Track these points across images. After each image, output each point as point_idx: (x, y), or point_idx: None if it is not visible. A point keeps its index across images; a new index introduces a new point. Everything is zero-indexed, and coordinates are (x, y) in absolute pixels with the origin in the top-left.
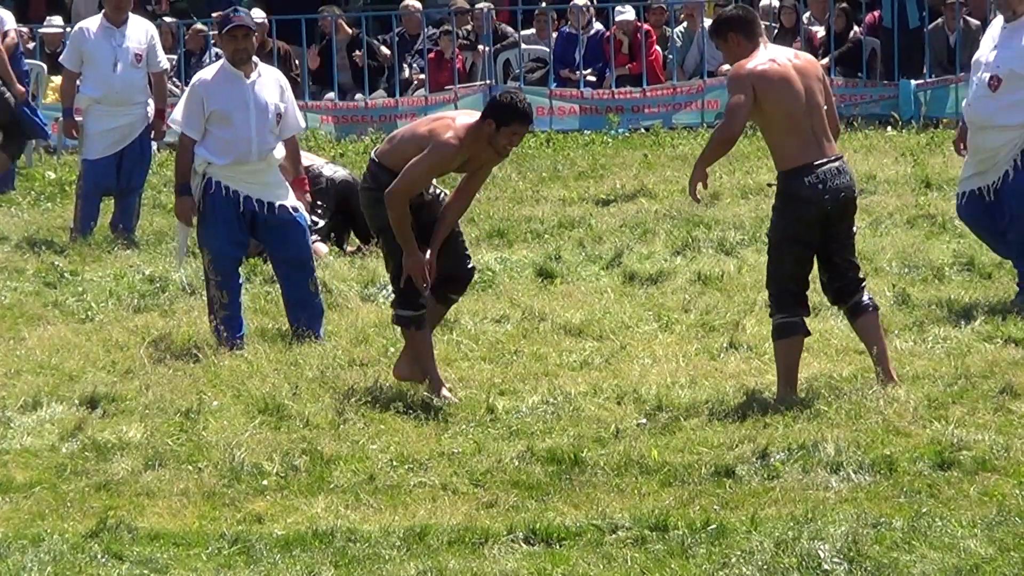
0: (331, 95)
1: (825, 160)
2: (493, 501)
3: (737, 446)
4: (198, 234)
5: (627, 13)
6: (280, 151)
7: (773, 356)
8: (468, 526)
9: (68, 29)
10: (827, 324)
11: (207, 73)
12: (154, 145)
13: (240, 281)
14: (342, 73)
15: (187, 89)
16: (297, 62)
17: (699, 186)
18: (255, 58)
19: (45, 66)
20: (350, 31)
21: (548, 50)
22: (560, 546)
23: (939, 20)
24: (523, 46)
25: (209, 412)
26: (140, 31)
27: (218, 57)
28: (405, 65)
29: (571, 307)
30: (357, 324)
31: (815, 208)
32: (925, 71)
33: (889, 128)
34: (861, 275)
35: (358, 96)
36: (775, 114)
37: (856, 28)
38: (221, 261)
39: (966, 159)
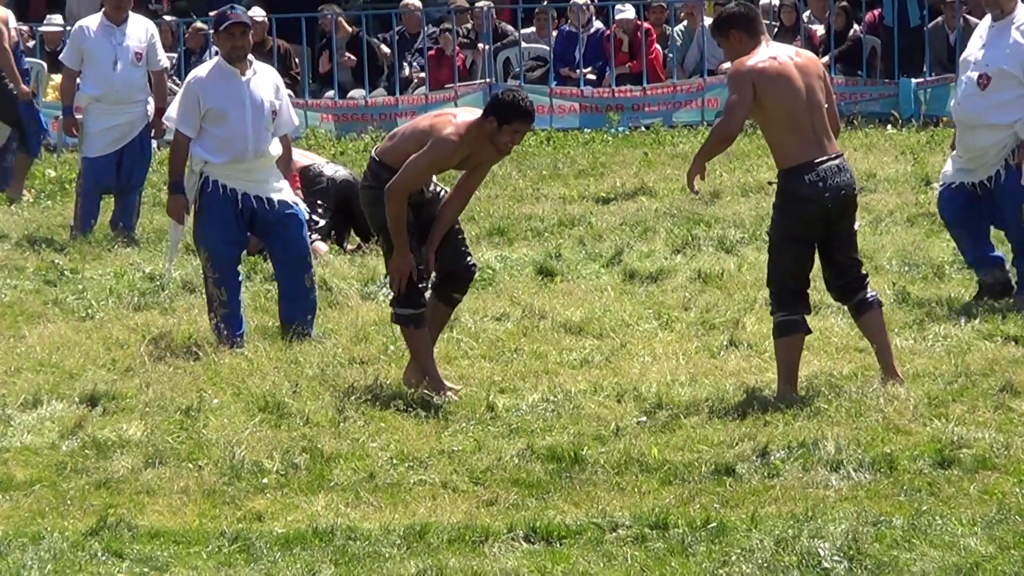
0: (331, 93)
1: (825, 158)
2: (493, 499)
3: (737, 444)
4: (195, 232)
5: (627, 11)
6: (276, 147)
7: (773, 354)
8: (468, 524)
9: (68, 28)
10: (827, 322)
11: (202, 71)
12: (154, 143)
13: (239, 279)
14: (342, 71)
15: (182, 87)
16: (297, 60)
17: (696, 179)
18: (250, 55)
19: (45, 64)
20: (350, 29)
21: (548, 48)
22: (560, 544)
23: (939, 19)
24: (523, 44)
25: (209, 410)
26: (140, 29)
27: (218, 55)
28: (405, 63)
29: (571, 305)
30: (357, 322)
31: (815, 206)
32: (925, 69)
33: (889, 126)
34: (864, 272)
35: (357, 94)
36: (775, 112)
37: (856, 26)
38: (218, 259)
39: (953, 155)
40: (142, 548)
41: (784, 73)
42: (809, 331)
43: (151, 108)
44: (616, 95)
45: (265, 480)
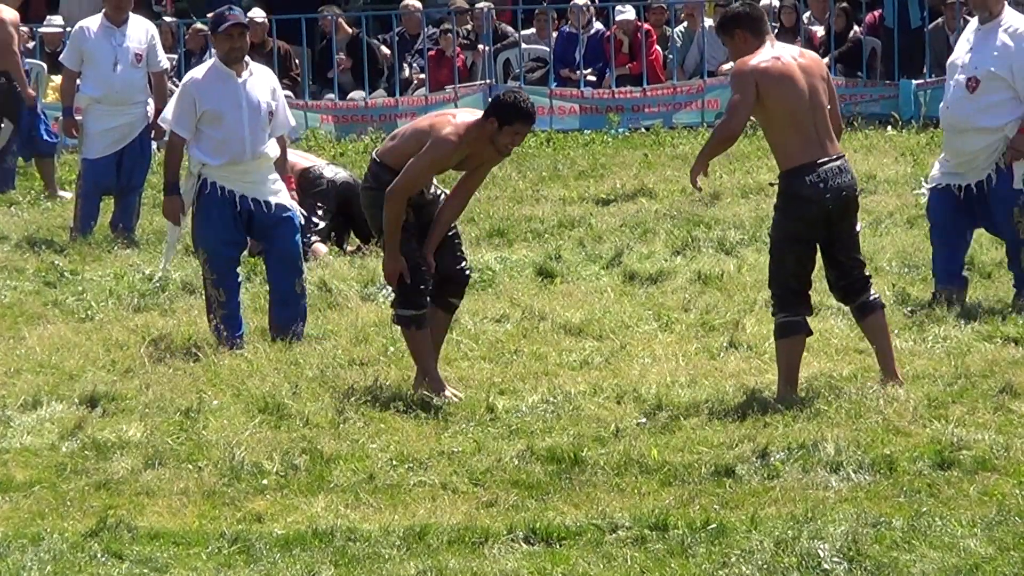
0: (331, 95)
1: (827, 159)
2: (493, 500)
3: (737, 445)
4: (193, 234)
5: (627, 13)
6: (274, 148)
7: (773, 355)
8: (468, 525)
9: (68, 29)
10: (827, 323)
11: (198, 72)
12: (154, 144)
13: (238, 280)
14: (342, 73)
15: (178, 88)
16: (297, 61)
17: (700, 177)
18: (246, 56)
19: (45, 65)
20: (350, 31)
21: (548, 50)
22: (560, 545)
23: (939, 20)
24: (523, 46)
25: (209, 411)
26: (140, 31)
27: (214, 56)
28: (405, 65)
29: (571, 306)
30: (357, 323)
31: (816, 207)
32: (925, 71)
33: (889, 128)
34: (867, 273)
35: (357, 95)
36: (777, 112)
37: (856, 28)
38: (216, 260)
39: (940, 159)
40: (142, 549)
41: (787, 73)
42: (810, 332)
43: (151, 109)
44: (616, 96)
45: (265, 481)
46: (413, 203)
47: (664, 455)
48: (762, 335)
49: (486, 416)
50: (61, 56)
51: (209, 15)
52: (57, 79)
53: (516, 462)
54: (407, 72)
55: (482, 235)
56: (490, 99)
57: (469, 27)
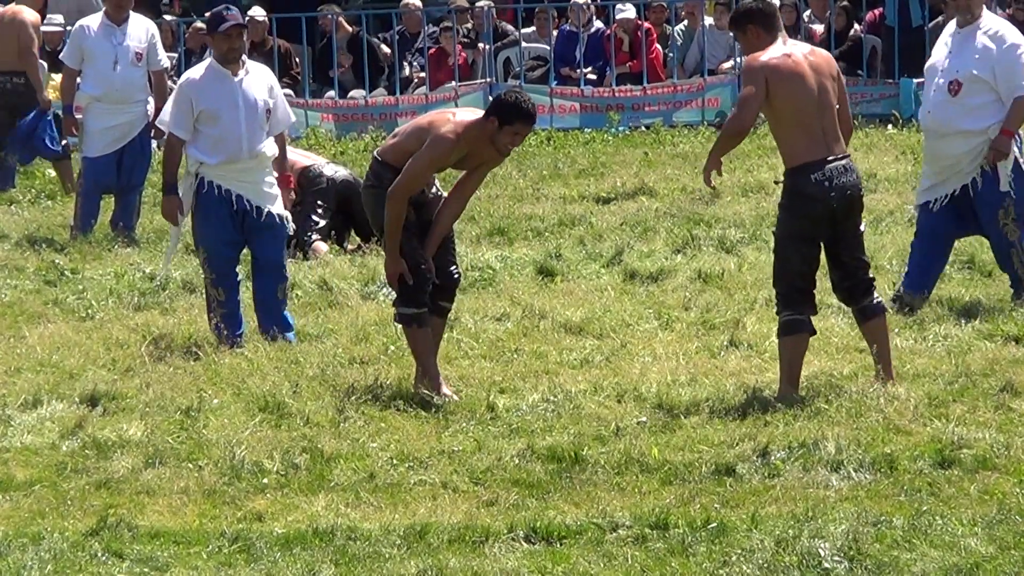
0: (331, 93)
1: (832, 158)
2: (493, 499)
3: (738, 444)
4: (193, 233)
5: (628, 11)
6: (271, 147)
7: (774, 354)
8: (468, 524)
9: (68, 27)
10: (828, 322)
11: (195, 72)
12: (154, 143)
13: (237, 279)
14: (343, 72)
15: (175, 89)
16: (297, 60)
17: (713, 174)
18: (243, 55)
19: (46, 64)
20: (350, 29)
21: (548, 48)
22: (561, 544)
23: (940, 18)
24: (523, 44)
25: (209, 410)
26: (141, 29)
27: (211, 56)
28: (405, 63)
29: (572, 305)
30: (357, 322)
31: (821, 205)
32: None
33: (890, 126)
34: (871, 276)
35: (358, 93)
36: (786, 109)
37: (856, 26)
38: (215, 260)
39: (923, 169)
40: (142, 548)
41: (797, 71)
42: (814, 332)
43: (151, 108)
44: (616, 95)
45: (265, 480)
46: (414, 202)
47: (665, 454)
48: (762, 334)
49: (486, 415)
50: (61, 54)
51: (207, 14)
52: (57, 78)
53: (516, 461)
54: (407, 71)
55: (483, 233)
56: (491, 98)
57: (469, 25)
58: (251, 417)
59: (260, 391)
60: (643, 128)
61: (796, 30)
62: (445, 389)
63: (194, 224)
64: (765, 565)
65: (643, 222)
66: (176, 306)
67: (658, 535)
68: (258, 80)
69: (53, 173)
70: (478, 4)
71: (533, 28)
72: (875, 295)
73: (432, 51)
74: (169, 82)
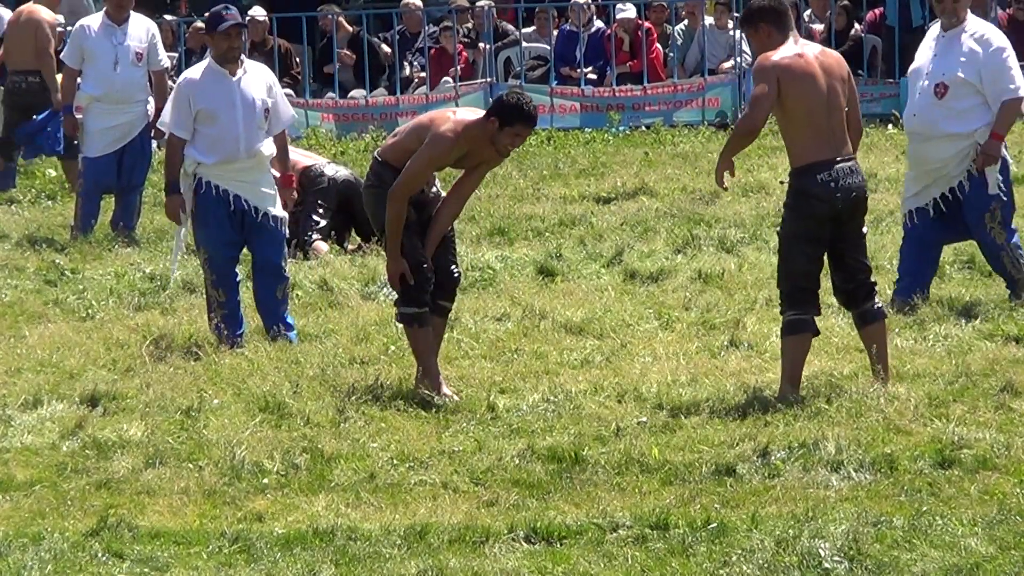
0: (332, 93)
1: (839, 159)
2: (494, 500)
3: (738, 444)
4: (194, 234)
5: (628, 11)
6: (270, 147)
7: (774, 354)
8: (469, 525)
9: (68, 27)
10: (828, 322)
11: (194, 72)
12: (154, 143)
13: (237, 279)
14: (343, 71)
15: (174, 89)
16: (298, 60)
17: (725, 174)
18: (241, 55)
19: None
20: (351, 29)
21: (549, 48)
22: (561, 545)
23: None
24: (524, 44)
25: (210, 410)
26: (141, 29)
27: (209, 56)
28: (406, 63)
29: (572, 305)
30: (358, 322)
31: (827, 206)
32: None
33: (890, 126)
34: (872, 279)
35: (358, 93)
36: (796, 109)
37: (857, 26)
38: (216, 260)
39: (907, 174)
40: (142, 549)
41: (809, 71)
42: (817, 332)
43: (151, 108)
44: (617, 94)
45: (265, 480)
46: (414, 201)
47: (665, 454)
48: (763, 334)
49: (487, 415)
50: (62, 54)
51: (206, 14)
52: (58, 77)
53: (517, 461)
54: (408, 70)
55: (483, 233)
56: (491, 98)
57: (470, 25)
58: (251, 417)
59: (260, 391)
60: (643, 128)
61: (796, 29)
62: (445, 389)
63: (193, 225)
64: (765, 565)
65: (643, 222)
66: (176, 306)
67: (658, 535)
68: (256, 80)
69: (53, 173)
70: (478, 4)
71: (533, 28)
72: (876, 300)
73: (433, 51)
74: (169, 82)
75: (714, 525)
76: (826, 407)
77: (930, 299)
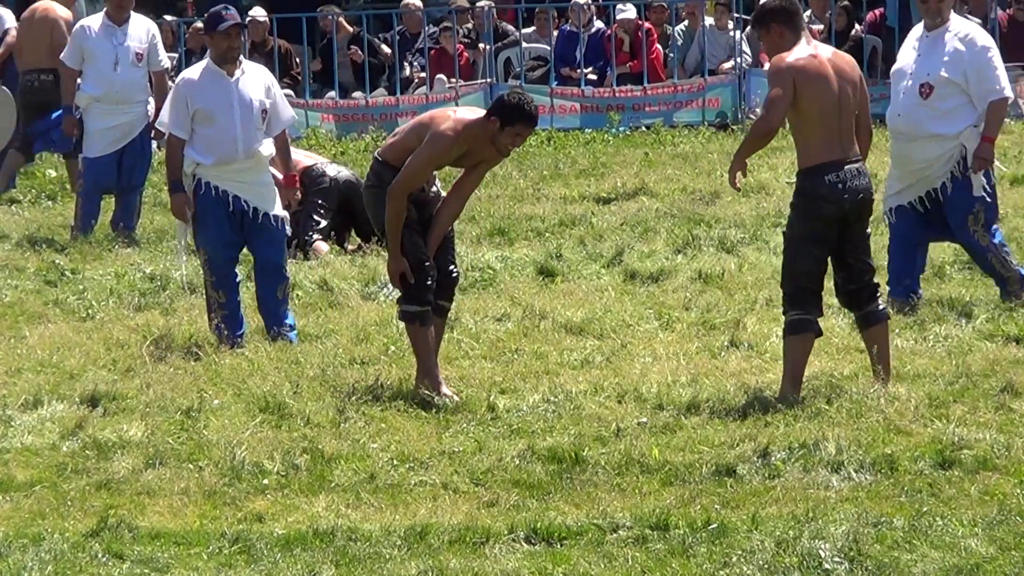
0: (332, 93)
1: (846, 160)
2: (494, 500)
3: (738, 445)
4: (194, 235)
5: (628, 11)
6: (268, 148)
7: (774, 354)
8: (469, 525)
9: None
10: (829, 323)
11: (192, 73)
12: (154, 143)
13: (237, 280)
14: (343, 71)
15: (172, 89)
16: (298, 60)
17: (738, 176)
18: (240, 55)
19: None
20: (351, 29)
21: (549, 48)
22: (561, 545)
23: None
24: (524, 44)
25: (210, 410)
26: (141, 30)
27: (207, 56)
28: (406, 63)
29: (572, 305)
30: (358, 322)
31: (835, 207)
32: None
33: None
34: (876, 280)
35: (358, 94)
36: (809, 110)
37: (857, 26)
38: (215, 261)
39: (890, 173)
40: (143, 549)
41: (822, 72)
42: (820, 332)
43: (151, 108)
44: (617, 95)
45: (266, 481)
46: (415, 200)
47: (665, 455)
48: (763, 334)
49: (487, 415)
50: (62, 54)
51: (206, 14)
52: None
53: (517, 462)
54: (408, 71)
55: (483, 234)
56: (491, 98)
57: (470, 26)
58: (252, 418)
59: (261, 391)
60: (643, 128)
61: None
62: (445, 389)
63: (194, 227)
64: (765, 566)
65: (643, 222)
66: (176, 306)
67: (658, 536)
68: (254, 80)
69: (54, 173)
70: (478, 4)
71: (533, 28)
72: (879, 302)
73: (433, 51)
74: (170, 82)
75: (714, 526)
76: (826, 408)
77: (924, 296)
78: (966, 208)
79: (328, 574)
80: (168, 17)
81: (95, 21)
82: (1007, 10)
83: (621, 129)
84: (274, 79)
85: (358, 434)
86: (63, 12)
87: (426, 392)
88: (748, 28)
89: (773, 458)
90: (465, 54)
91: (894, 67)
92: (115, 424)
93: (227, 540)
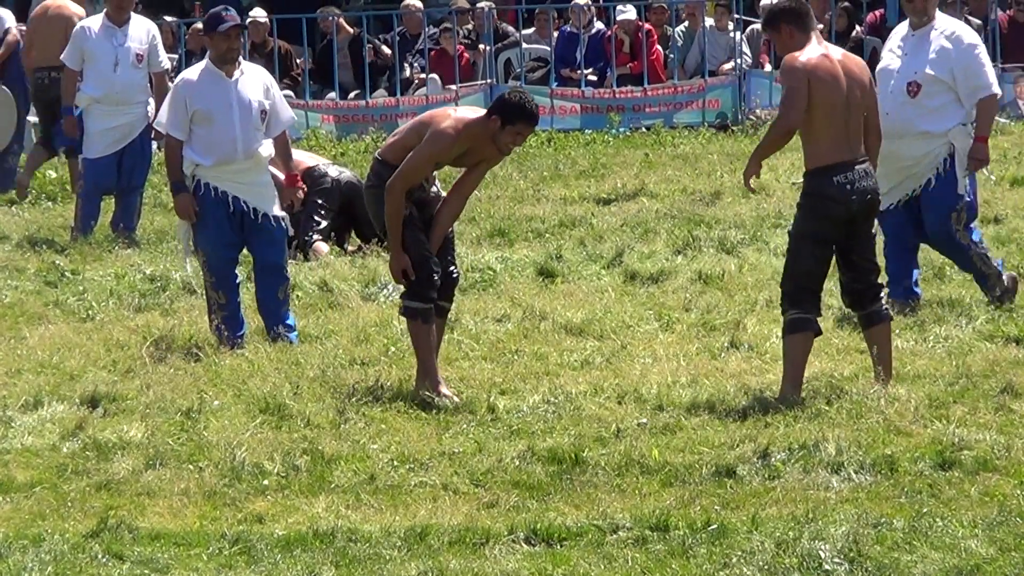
0: (332, 94)
1: (855, 161)
2: (494, 501)
3: (738, 446)
4: (194, 236)
5: (628, 12)
6: (268, 148)
7: (774, 355)
8: (469, 526)
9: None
10: (828, 323)
11: (191, 73)
12: (154, 144)
13: (237, 281)
14: (343, 72)
15: (171, 90)
16: (299, 61)
17: (752, 177)
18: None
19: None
20: (351, 30)
21: (549, 49)
22: (561, 546)
23: None
24: (524, 45)
25: (210, 411)
26: (142, 31)
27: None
28: (406, 64)
29: (572, 306)
30: (358, 323)
31: (842, 208)
32: None
33: None
34: (881, 280)
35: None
36: (819, 110)
37: (857, 28)
38: (215, 262)
39: (878, 172)
40: (143, 550)
41: (834, 72)
42: (819, 331)
43: (151, 109)
44: (617, 96)
45: (266, 482)
46: (415, 199)
47: (665, 455)
48: (763, 335)
49: (487, 416)
50: (62, 55)
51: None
52: None
53: (517, 463)
54: (408, 72)
55: (483, 235)
56: (491, 100)
57: (470, 26)
58: (252, 419)
59: (261, 392)
60: (644, 129)
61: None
62: (444, 389)
63: (194, 228)
64: (765, 567)
65: (643, 223)
66: (177, 307)
67: (658, 537)
68: (253, 81)
69: (53, 174)
70: (479, 5)
71: (534, 29)
72: (883, 302)
73: (433, 52)
74: (169, 83)
75: (714, 527)
76: (826, 408)
77: (924, 296)
78: (950, 204)
79: (328, 575)
80: (168, 18)
81: (95, 22)
82: (1007, 11)
83: (621, 130)
84: (273, 80)
85: (358, 435)
86: (76, 9)
87: (426, 393)
88: (748, 29)
89: (773, 459)
90: (465, 55)
91: (879, 66)
92: (115, 425)
93: (227, 541)
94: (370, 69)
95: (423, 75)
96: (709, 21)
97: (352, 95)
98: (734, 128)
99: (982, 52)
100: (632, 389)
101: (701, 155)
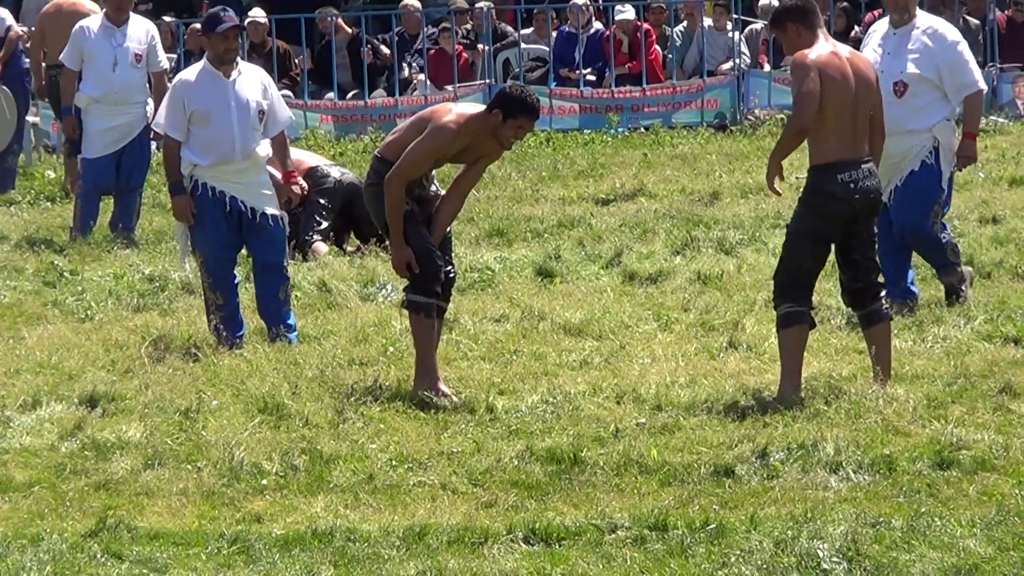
0: (331, 94)
1: (860, 160)
2: (492, 501)
3: (736, 445)
4: (191, 236)
5: (627, 12)
6: (266, 148)
7: (773, 355)
8: (467, 526)
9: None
10: (827, 323)
11: (189, 74)
12: (153, 144)
13: (235, 281)
14: (342, 72)
15: (169, 90)
16: (297, 61)
17: (776, 179)
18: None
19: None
20: (349, 31)
21: (548, 49)
22: (559, 546)
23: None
24: (523, 45)
25: (208, 411)
26: (141, 31)
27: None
28: (405, 64)
29: (571, 306)
30: (356, 323)
31: (846, 206)
32: None
33: None
34: (881, 280)
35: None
36: (828, 108)
37: (856, 28)
38: (212, 263)
39: None
40: (141, 550)
41: (843, 70)
42: (814, 325)
43: (150, 109)
44: (615, 96)
45: (264, 481)
46: (415, 196)
47: (663, 455)
48: (762, 335)
49: (486, 416)
50: (61, 55)
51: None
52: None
53: (515, 462)
54: (406, 72)
55: (482, 235)
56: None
57: (469, 26)
58: (250, 418)
59: (259, 392)
60: (642, 129)
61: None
62: (443, 388)
63: (192, 228)
64: (764, 566)
65: (642, 223)
66: (175, 307)
67: (657, 536)
68: (251, 81)
69: (52, 174)
70: (477, 5)
71: (532, 29)
72: (883, 302)
73: (432, 52)
74: (168, 83)
75: (713, 526)
76: (825, 408)
77: (922, 296)
78: (932, 196)
79: (327, 574)
80: (167, 18)
81: (94, 22)
82: (1006, 11)
83: (620, 130)
84: (271, 80)
85: (357, 435)
86: (91, 6)
87: (425, 393)
88: (746, 29)
89: (771, 459)
90: (464, 55)
91: None
92: (114, 425)
93: (226, 540)
94: (369, 69)
95: (422, 75)
96: (708, 21)
97: (351, 95)
98: (733, 128)
99: (965, 49)
100: (631, 389)
101: (700, 155)
